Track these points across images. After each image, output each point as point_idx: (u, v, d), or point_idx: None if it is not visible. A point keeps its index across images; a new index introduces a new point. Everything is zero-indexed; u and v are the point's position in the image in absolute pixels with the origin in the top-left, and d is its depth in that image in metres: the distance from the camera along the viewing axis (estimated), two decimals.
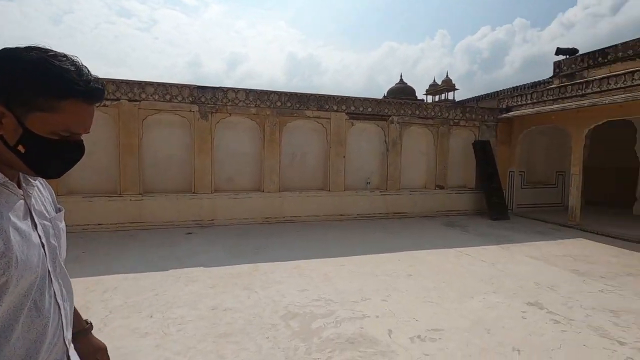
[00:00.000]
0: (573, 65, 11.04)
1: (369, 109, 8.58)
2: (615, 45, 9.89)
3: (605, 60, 10.09)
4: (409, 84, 28.77)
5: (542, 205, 10.30)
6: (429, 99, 31.24)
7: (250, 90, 7.67)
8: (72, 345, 0.91)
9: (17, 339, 0.71)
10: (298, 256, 5.50)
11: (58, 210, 0.93)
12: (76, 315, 1.04)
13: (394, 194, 8.91)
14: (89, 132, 0.78)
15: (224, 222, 7.57)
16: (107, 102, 6.79)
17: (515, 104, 9.86)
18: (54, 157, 0.75)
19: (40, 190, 0.89)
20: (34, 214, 0.80)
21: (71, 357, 0.89)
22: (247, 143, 8.06)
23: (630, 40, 9.59)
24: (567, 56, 11.43)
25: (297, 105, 8.00)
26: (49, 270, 0.79)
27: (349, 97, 8.42)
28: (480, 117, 9.69)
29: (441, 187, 9.36)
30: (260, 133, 7.88)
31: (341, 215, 8.44)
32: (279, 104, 7.86)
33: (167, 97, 7.15)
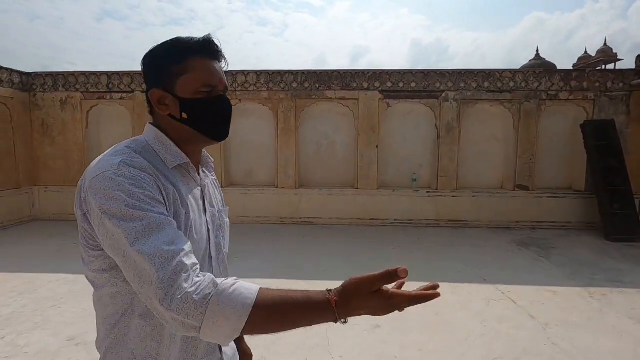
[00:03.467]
0: None
1: (412, 84, 6.61)
2: None
3: None
4: (557, 59, 22.98)
5: None
6: None
7: (262, 72, 6.73)
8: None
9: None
10: (264, 273, 4.35)
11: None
12: None
13: (448, 195, 6.71)
14: (226, 87, 0.85)
15: (232, 221, 6.91)
16: (124, 95, 6.86)
17: None
18: (207, 114, 0.83)
19: (214, 185, 1.00)
20: (205, 199, 0.90)
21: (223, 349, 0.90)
22: (264, 132, 7.18)
23: None
24: None
25: (317, 86, 6.68)
26: (210, 255, 0.89)
27: (383, 70, 6.63)
28: (597, 85, 6.48)
29: (524, 188, 6.65)
30: (274, 120, 6.88)
31: (373, 219, 6.78)
32: (294, 85, 6.70)
33: None
